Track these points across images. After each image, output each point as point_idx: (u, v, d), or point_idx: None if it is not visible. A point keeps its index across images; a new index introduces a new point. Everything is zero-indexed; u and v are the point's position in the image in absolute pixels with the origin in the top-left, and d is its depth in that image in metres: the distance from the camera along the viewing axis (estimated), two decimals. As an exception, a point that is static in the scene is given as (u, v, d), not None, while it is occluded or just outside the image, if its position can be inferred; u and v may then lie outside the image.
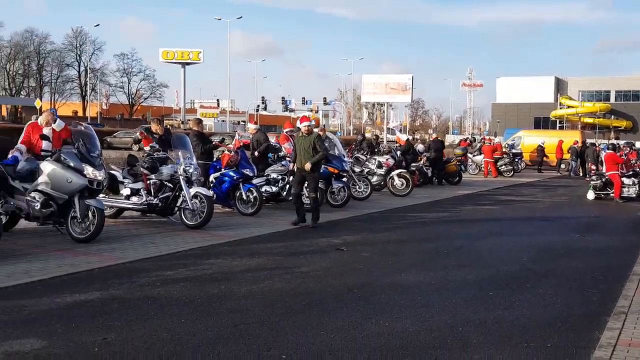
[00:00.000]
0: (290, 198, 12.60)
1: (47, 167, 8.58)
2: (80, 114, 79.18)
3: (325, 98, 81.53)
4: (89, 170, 8.67)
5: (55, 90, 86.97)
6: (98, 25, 76.64)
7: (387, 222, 12.18)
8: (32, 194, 8.51)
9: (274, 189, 12.74)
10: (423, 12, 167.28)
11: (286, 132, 14.77)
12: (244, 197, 11.78)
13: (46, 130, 9.51)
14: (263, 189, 12.36)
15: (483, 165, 27.29)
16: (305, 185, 11.38)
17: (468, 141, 35.34)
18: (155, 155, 10.38)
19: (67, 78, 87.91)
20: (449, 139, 71.38)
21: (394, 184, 16.75)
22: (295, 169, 11.19)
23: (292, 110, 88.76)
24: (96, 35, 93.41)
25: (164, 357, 4.48)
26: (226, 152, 12.23)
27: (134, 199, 10.31)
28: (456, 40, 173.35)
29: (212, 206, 10.08)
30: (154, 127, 11.78)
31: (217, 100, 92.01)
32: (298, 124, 12.34)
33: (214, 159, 12.85)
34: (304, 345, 4.82)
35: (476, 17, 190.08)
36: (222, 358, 4.51)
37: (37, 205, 8.45)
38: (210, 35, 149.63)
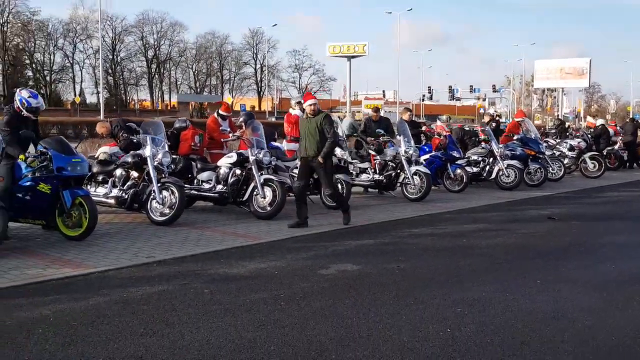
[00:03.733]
0: (492, 178, 14.01)
1: (306, 148, 10.74)
2: (256, 108, 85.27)
3: (494, 85, 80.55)
4: (337, 151, 10.69)
5: (234, 87, 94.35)
6: (275, 25, 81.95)
7: (587, 198, 13.25)
8: (294, 171, 10.71)
9: (475, 169, 14.18)
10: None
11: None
12: (452, 175, 13.32)
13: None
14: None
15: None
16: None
17: None
18: (381, 140, 12.25)
19: (244, 75, 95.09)
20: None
21: (586, 166, 17.46)
22: (299, 159, 9.51)
23: (458, 99, 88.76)
24: (271, 34, 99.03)
25: (449, 278, 6.17)
26: (436, 136, 13.86)
27: (363, 176, 12.28)
28: (637, 19, 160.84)
29: (430, 182, 11.76)
30: (374, 115, 13.68)
31: (383, 91, 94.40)
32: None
33: (422, 143, 14.54)
34: (550, 276, 6.30)
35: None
36: (487, 281, 6.11)
37: (299, 180, 10.63)
38: (375, 26, 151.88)
